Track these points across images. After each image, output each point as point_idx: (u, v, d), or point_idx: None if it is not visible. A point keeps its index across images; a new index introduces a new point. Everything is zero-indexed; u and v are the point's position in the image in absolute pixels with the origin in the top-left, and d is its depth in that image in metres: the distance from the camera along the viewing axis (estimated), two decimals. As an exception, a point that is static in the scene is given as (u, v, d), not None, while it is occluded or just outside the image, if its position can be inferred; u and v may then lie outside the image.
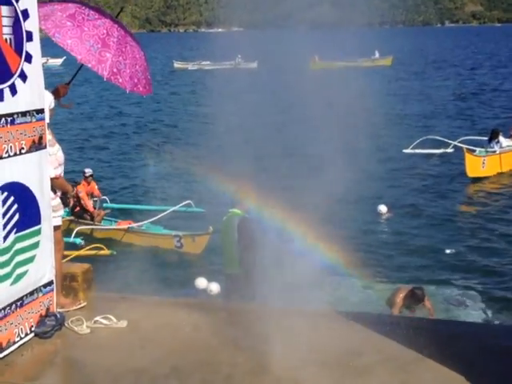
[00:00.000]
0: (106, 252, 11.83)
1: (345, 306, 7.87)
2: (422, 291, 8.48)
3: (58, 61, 54.75)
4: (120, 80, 5.29)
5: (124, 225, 13.11)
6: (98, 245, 11.87)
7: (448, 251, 11.86)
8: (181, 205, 13.49)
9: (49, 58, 47.06)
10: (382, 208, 14.34)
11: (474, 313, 9.22)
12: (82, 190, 13.23)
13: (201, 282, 10.40)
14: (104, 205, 14.40)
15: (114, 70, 5.25)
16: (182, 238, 12.29)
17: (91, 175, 13.75)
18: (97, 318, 5.13)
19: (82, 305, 5.47)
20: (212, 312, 5.52)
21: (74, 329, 5.03)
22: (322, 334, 4.73)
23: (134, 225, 12.98)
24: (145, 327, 5.11)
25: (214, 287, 10.04)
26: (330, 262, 9.54)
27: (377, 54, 50.57)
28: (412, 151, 19.88)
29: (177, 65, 62.16)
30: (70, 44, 5.13)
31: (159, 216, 13.02)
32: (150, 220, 12.94)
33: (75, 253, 11.02)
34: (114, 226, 13.30)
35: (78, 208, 13.20)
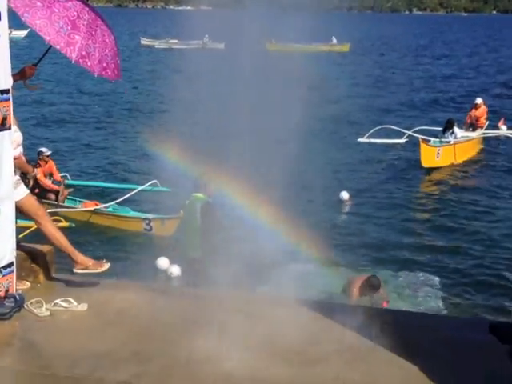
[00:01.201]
0: (64, 224, 11.69)
1: (305, 292, 7.95)
2: (378, 279, 8.60)
3: (23, 33, 53.27)
4: (88, 63, 5.24)
5: (90, 206, 12.95)
6: (56, 217, 11.71)
7: (405, 240, 12.08)
8: (147, 184, 13.40)
9: (12, 29, 45.92)
10: (344, 195, 14.47)
11: (429, 301, 9.42)
12: (38, 171, 12.88)
13: (162, 262, 10.39)
14: (65, 182, 14.18)
15: (83, 52, 5.19)
16: (151, 221, 12.20)
17: (48, 155, 13.31)
18: (57, 301, 5.08)
19: (105, 267, 5.44)
20: (174, 297, 5.53)
21: (33, 311, 4.98)
22: (281, 322, 4.76)
23: (101, 206, 12.83)
24: (106, 311, 5.09)
25: (175, 270, 10.05)
26: (291, 246, 9.64)
27: (334, 40, 50.40)
28: (367, 140, 19.93)
29: (143, 41, 61.13)
30: (39, 24, 5.05)
31: (126, 196, 12.91)
32: (117, 201, 12.81)
33: (34, 226, 10.87)
34: (79, 208, 13.10)
35: (37, 190, 12.83)
